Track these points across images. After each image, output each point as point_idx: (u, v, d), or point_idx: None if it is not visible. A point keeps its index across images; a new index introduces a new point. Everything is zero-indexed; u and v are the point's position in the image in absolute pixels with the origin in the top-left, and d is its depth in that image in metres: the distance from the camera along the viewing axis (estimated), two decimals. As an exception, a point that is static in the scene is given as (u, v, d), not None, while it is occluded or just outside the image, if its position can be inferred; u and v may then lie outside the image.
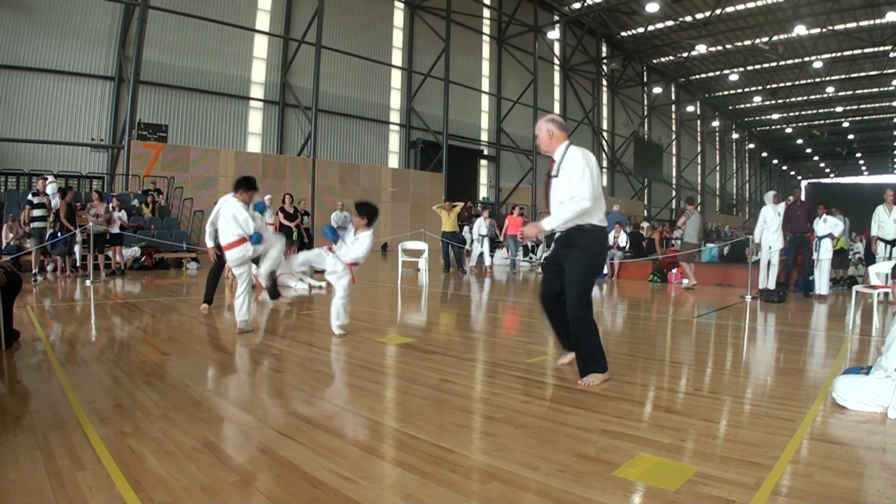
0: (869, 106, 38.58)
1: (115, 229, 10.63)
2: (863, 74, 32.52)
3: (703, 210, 39.51)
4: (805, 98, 38.01)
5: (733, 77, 33.89)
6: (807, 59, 29.99)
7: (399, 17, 23.31)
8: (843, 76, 32.72)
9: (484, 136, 26.70)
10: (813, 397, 3.45)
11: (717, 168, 47.19)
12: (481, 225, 13.46)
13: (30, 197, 10.00)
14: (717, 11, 26.30)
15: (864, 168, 57.94)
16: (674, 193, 38.28)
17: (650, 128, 37.98)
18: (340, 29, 20.49)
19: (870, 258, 12.19)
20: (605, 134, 34.17)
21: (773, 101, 37.99)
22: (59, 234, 9.86)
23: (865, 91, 34.91)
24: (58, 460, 2.33)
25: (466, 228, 16.33)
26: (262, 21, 18.97)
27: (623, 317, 7.38)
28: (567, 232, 3.66)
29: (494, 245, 17.10)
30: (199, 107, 17.59)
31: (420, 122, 23.44)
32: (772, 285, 9.23)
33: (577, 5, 28.34)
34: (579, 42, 29.92)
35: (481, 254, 13.41)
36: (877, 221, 9.14)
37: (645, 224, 17.78)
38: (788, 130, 46.65)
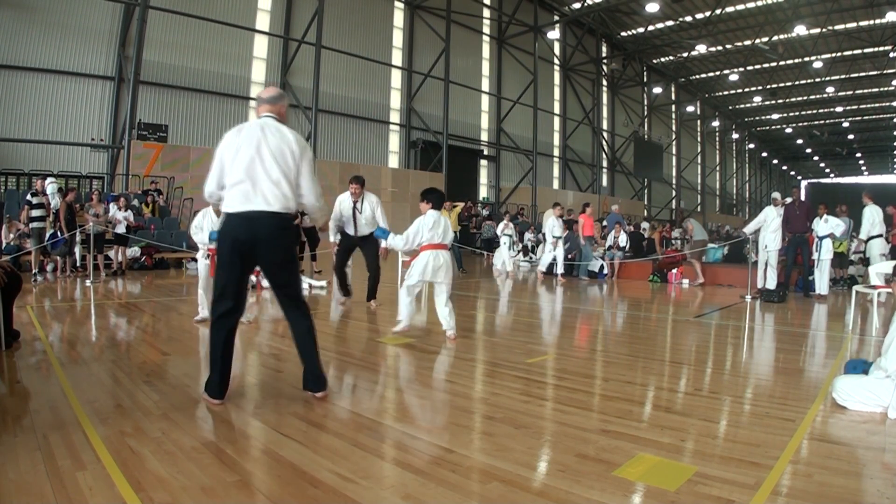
0: (869, 106, 38.55)
1: (122, 229, 10.62)
2: (863, 74, 32.49)
3: (703, 210, 39.63)
4: (805, 98, 37.98)
5: (733, 77, 33.87)
6: (807, 59, 29.97)
7: (399, 17, 23.29)
8: (843, 76, 32.69)
9: (484, 136, 26.68)
10: (813, 397, 3.45)
11: (717, 168, 47.18)
12: (555, 225, 11.84)
13: (29, 197, 9.99)
14: (717, 11, 26.27)
15: (864, 168, 57.94)
16: (674, 193, 38.27)
17: (650, 128, 37.94)
18: (340, 29, 20.48)
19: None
20: (605, 134, 34.14)
21: (773, 101, 37.95)
22: (59, 235, 9.86)
23: (865, 91, 34.87)
24: (58, 460, 2.33)
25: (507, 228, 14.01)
26: (262, 21, 18.96)
27: (623, 317, 7.38)
28: None
29: (494, 245, 17.08)
30: (199, 107, 17.58)
31: (420, 122, 23.42)
32: (771, 285, 9.22)
33: (577, 5, 28.31)
34: (579, 42, 29.89)
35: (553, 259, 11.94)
36: None
37: (645, 224, 17.76)
38: (788, 130, 46.63)
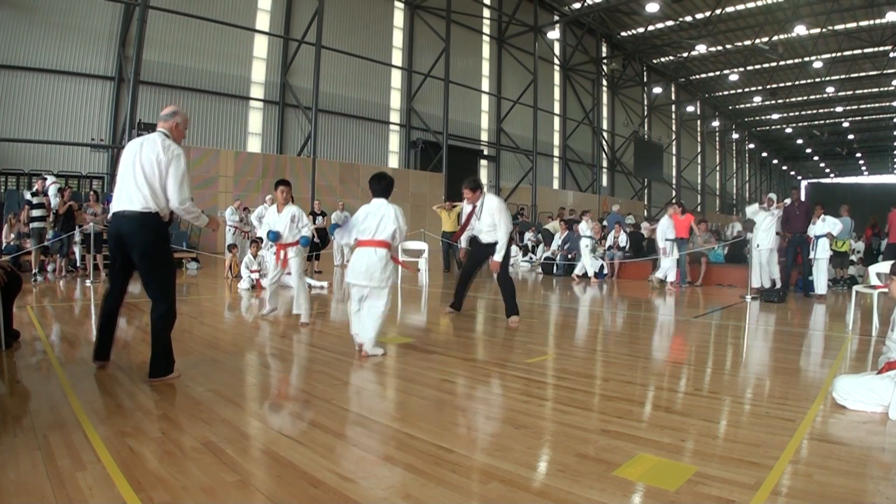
0: (869, 106, 38.55)
1: None
2: (863, 74, 32.49)
3: (703, 210, 39.68)
4: (805, 98, 37.98)
5: (733, 77, 33.85)
6: (807, 59, 29.97)
7: (399, 17, 23.29)
8: (843, 76, 32.69)
9: (484, 136, 26.68)
10: (813, 397, 3.45)
11: (717, 168, 47.18)
12: (668, 227, 10.65)
13: (29, 197, 10.00)
14: (717, 11, 26.26)
15: (864, 168, 57.97)
16: (674, 193, 38.25)
17: (650, 128, 37.93)
18: (340, 29, 20.47)
19: (869, 258, 12.24)
20: (605, 134, 34.13)
21: (773, 101, 37.95)
22: (57, 234, 9.86)
23: (865, 91, 34.87)
24: (58, 460, 2.33)
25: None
26: (262, 21, 18.95)
27: (623, 317, 7.37)
28: None
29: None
30: (199, 107, 17.57)
31: (420, 122, 23.42)
32: (766, 283, 9.22)
33: (577, 5, 28.30)
34: (579, 42, 29.89)
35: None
36: None
37: (645, 224, 17.72)
38: (788, 130, 46.63)
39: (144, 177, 3.51)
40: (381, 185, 4.47)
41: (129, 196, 3.51)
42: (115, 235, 3.59)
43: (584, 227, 12.33)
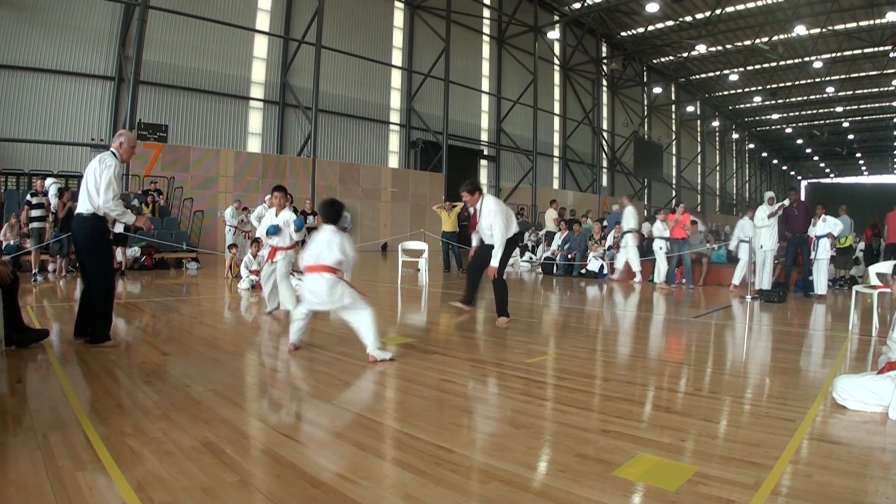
0: (869, 106, 38.57)
1: (119, 229, 10.59)
2: (863, 74, 32.51)
3: (703, 210, 39.68)
4: (805, 98, 38.00)
5: (733, 77, 33.87)
6: (807, 59, 29.99)
7: (399, 17, 23.29)
8: (843, 76, 32.70)
9: (484, 136, 26.68)
10: (813, 397, 3.45)
11: (717, 168, 47.18)
12: (746, 226, 10.12)
13: (28, 197, 10.00)
14: (717, 11, 26.28)
15: (864, 168, 58.01)
16: (674, 193, 38.26)
17: (650, 128, 37.95)
18: (340, 29, 20.48)
19: (870, 258, 12.24)
20: (605, 134, 34.15)
21: (773, 101, 37.97)
22: (57, 234, 9.86)
23: (865, 91, 34.89)
24: (58, 460, 2.33)
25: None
26: (262, 21, 18.96)
27: (623, 317, 7.37)
28: None
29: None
30: (199, 107, 17.58)
31: (420, 122, 23.42)
32: (766, 285, 9.22)
33: (577, 5, 28.31)
34: (579, 42, 29.90)
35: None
36: None
37: (645, 224, 17.71)
38: (788, 130, 46.66)
39: (87, 186, 4.43)
40: (332, 211, 4.48)
41: (81, 202, 4.47)
42: (70, 232, 4.67)
43: (659, 228, 11.11)
